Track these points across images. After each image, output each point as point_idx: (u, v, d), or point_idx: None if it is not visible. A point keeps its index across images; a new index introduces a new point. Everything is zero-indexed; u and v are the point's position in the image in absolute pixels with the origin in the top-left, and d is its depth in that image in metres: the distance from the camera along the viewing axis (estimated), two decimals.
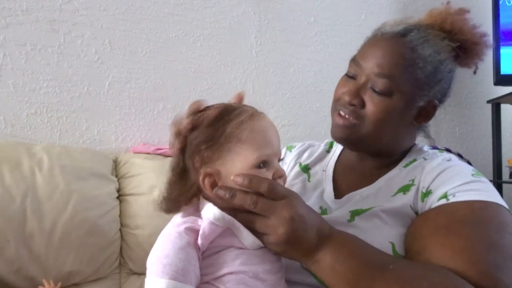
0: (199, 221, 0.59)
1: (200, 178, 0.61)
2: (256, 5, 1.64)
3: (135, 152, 1.41)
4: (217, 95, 1.55)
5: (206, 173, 0.60)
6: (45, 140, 1.35)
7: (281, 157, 0.66)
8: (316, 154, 0.95)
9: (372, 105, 0.76)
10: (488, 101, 1.76)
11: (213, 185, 0.61)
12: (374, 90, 0.76)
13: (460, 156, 0.88)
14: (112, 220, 1.18)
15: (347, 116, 0.78)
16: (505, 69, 1.67)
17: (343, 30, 1.76)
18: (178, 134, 0.63)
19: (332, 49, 1.74)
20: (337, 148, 0.94)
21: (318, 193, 0.85)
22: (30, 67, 1.34)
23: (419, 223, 0.70)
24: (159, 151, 1.39)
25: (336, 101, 0.82)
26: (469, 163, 0.83)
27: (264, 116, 0.64)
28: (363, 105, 0.77)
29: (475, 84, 1.89)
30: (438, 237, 0.65)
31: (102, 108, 1.42)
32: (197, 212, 0.62)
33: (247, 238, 0.60)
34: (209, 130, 0.61)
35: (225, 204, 0.60)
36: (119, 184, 1.27)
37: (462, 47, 0.80)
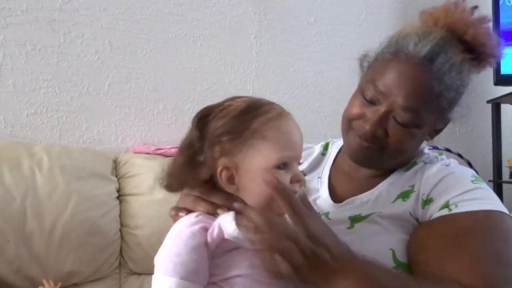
0: (213, 222, 0.58)
1: (218, 170, 0.59)
2: (256, 5, 1.64)
3: (135, 152, 1.41)
4: (217, 95, 1.55)
5: (225, 165, 0.59)
6: (45, 140, 1.35)
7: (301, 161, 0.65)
8: (311, 159, 0.92)
9: (395, 135, 0.73)
10: (488, 101, 1.75)
11: (230, 178, 0.59)
12: (397, 121, 0.73)
13: (460, 156, 0.88)
14: (112, 220, 1.18)
15: (367, 143, 0.75)
16: (505, 69, 1.66)
17: (343, 30, 1.76)
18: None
19: (332, 49, 1.74)
20: (333, 150, 0.92)
21: (313, 200, 0.83)
22: (30, 67, 1.34)
23: (424, 233, 0.69)
24: (159, 151, 1.39)
25: (351, 120, 0.78)
26: (469, 163, 0.83)
27: (292, 117, 0.63)
28: (385, 134, 0.74)
29: (475, 84, 1.87)
30: (444, 251, 0.64)
31: (102, 108, 1.42)
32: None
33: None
34: (235, 122, 0.59)
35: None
36: (119, 184, 1.27)
37: (479, 57, 0.77)
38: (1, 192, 1.05)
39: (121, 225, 1.22)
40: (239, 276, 0.57)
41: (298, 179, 0.61)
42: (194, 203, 0.63)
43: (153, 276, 0.56)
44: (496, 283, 0.60)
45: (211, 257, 0.57)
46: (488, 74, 1.70)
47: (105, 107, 1.42)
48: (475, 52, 0.76)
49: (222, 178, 0.59)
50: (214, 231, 0.56)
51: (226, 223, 0.57)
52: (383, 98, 0.73)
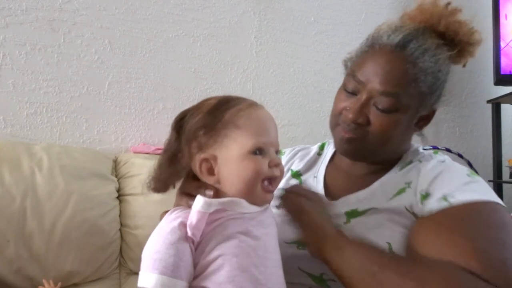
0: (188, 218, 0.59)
1: (197, 165, 0.61)
2: (256, 5, 1.64)
3: (135, 152, 1.41)
4: (217, 95, 1.55)
5: (203, 158, 0.61)
6: (45, 140, 1.35)
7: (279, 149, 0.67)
8: (307, 159, 0.93)
9: (377, 122, 0.75)
10: (488, 101, 1.76)
11: (210, 170, 0.61)
12: (377, 108, 0.75)
13: (460, 156, 0.88)
14: (112, 220, 1.18)
15: (351, 134, 0.78)
16: (505, 69, 1.66)
17: (343, 30, 1.76)
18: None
19: (332, 49, 1.74)
20: (328, 151, 0.93)
21: None
22: (30, 67, 1.34)
23: (424, 228, 0.70)
24: (159, 151, 1.38)
25: (337, 115, 0.81)
26: (469, 163, 0.83)
27: (263, 107, 0.66)
28: (367, 122, 0.76)
29: (475, 84, 1.89)
30: (446, 241, 0.65)
31: (102, 108, 1.42)
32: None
33: (248, 207, 0.61)
34: (208, 117, 0.62)
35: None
36: (119, 184, 1.27)
37: (456, 47, 0.79)
38: (1, 192, 1.05)
39: (121, 225, 1.22)
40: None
41: (276, 163, 0.63)
42: (178, 199, 0.66)
43: (139, 272, 0.58)
44: (498, 265, 0.61)
45: (201, 252, 0.57)
46: (488, 74, 1.71)
47: (105, 107, 1.43)
48: (451, 42, 0.78)
49: (202, 170, 0.61)
50: (192, 219, 0.57)
51: (195, 202, 0.58)
52: (362, 87, 0.76)
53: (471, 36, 0.79)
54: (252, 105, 0.64)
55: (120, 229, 1.21)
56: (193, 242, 0.57)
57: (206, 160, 0.61)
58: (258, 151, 0.61)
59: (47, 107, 1.36)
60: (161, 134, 1.49)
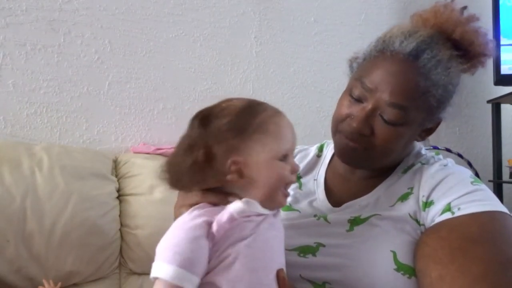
0: (216, 216, 0.60)
1: (227, 166, 0.62)
2: (256, 5, 1.64)
3: (135, 152, 1.41)
4: (217, 95, 1.54)
5: (233, 161, 0.62)
6: (45, 140, 1.35)
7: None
8: (306, 161, 0.92)
9: (381, 134, 0.73)
10: (488, 101, 1.76)
11: (239, 172, 0.62)
12: (383, 118, 0.72)
13: (460, 156, 0.87)
14: (112, 220, 1.18)
15: (353, 143, 0.75)
16: (505, 69, 1.66)
17: (343, 30, 1.76)
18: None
19: (332, 49, 1.74)
20: (328, 152, 0.92)
21: (309, 202, 0.83)
22: (30, 67, 1.34)
23: (433, 244, 0.67)
24: (159, 151, 1.39)
25: (339, 121, 0.78)
26: (469, 163, 0.82)
27: (285, 115, 0.68)
28: (371, 132, 0.73)
29: (475, 84, 1.89)
30: (456, 264, 0.63)
31: (102, 108, 1.42)
32: (213, 207, 0.63)
33: (261, 209, 0.62)
34: (238, 120, 0.63)
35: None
36: (119, 184, 1.27)
37: (469, 57, 0.76)
38: (1, 192, 1.05)
39: (121, 225, 1.22)
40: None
41: (296, 170, 0.67)
42: (196, 197, 0.65)
43: (153, 263, 0.58)
44: None
45: (215, 251, 0.58)
46: (488, 74, 1.70)
47: (105, 107, 1.43)
48: (464, 51, 0.75)
49: (232, 172, 0.62)
50: (223, 217, 0.59)
51: (234, 204, 0.60)
52: (370, 95, 0.73)
53: (486, 46, 0.75)
54: (279, 112, 0.67)
55: (120, 229, 1.21)
56: (212, 240, 0.58)
57: (236, 163, 0.62)
58: (283, 157, 0.64)
59: (47, 107, 1.36)
60: (161, 134, 1.49)
